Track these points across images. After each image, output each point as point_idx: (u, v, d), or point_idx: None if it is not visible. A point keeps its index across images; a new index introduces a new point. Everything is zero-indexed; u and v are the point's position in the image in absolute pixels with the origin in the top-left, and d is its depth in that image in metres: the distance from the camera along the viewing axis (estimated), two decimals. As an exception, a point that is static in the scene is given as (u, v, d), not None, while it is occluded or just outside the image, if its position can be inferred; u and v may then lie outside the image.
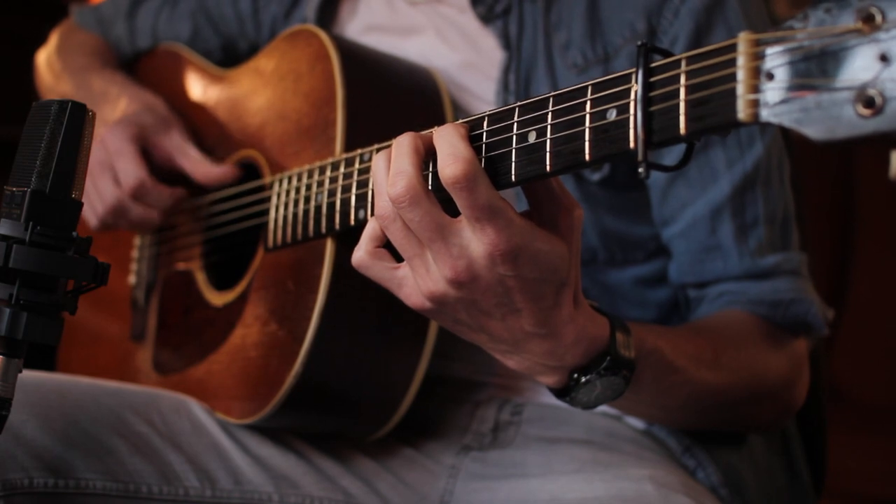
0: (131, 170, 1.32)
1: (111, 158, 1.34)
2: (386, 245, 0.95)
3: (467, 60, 1.33)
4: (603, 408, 1.28)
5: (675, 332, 1.16)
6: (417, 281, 0.92)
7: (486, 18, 1.31)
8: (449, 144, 0.86)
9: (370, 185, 1.03)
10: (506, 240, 0.86)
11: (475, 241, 0.87)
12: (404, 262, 0.93)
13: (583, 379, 0.97)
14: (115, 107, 1.42)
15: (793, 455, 1.39)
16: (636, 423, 1.29)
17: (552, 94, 0.86)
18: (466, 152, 0.85)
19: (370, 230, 0.95)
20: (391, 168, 0.89)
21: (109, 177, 1.34)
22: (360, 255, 0.95)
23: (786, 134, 1.32)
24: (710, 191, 1.23)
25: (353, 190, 1.05)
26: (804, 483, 1.39)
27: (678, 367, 1.08)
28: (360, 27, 1.42)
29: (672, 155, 1.17)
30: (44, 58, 1.65)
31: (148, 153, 1.37)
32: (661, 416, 1.23)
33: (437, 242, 0.88)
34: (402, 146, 0.89)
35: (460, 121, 0.92)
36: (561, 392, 0.99)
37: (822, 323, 1.25)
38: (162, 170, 1.38)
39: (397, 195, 0.87)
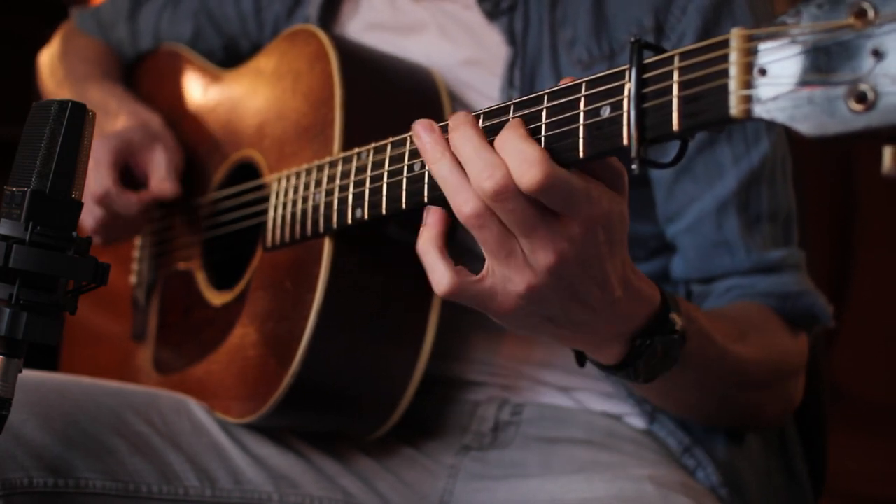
0: (98, 178, 1.34)
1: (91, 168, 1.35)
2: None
3: (472, 57, 1.33)
4: (603, 408, 1.29)
5: (702, 310, 1.14)
6: (514, 280, 0.86)
7: (492, 14, 1.31)
8: (516, 149, 0.82)
9: (366, 185, 1.03)
10: (600, 208, 0.83)
11: (568, 221, 0.83)
12: (485, 271, 0.88)
13: (646, 342, 0.95)
14: (114, 122, 1.43)
15: (790, 455, 1.39)
16: (636, 423, 1.29)
17: (546, 91, 0.86)
18: (538, 154, 0.81)
19: (435, 246, 0.89)
20: (477, 161, 0.83)
21: None
22: (451, 278, 0.87)
23: (787, 132, 1.32)
24: (717, 186, 1.23)
25: (351, 189, 1.05)
26: (802, 484, 1.39)
27: (716, 340, 1.06)
28: (362, 25, 1.43)
29: (671, 152, 1.17)
30: (46, 61, 1.66)
31: (131, 168, 1.39)
32: (696, 401, 1.19)
33: (540, 228, 0.83)
34: (472, 138, 0.84)
35: None
36: (622, 365, 0.96)
37: (829, 315, 1.25)
38: (145, 184, 1.39)
39: (498, 187, 0.82)
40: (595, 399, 1.30)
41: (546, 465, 1.24)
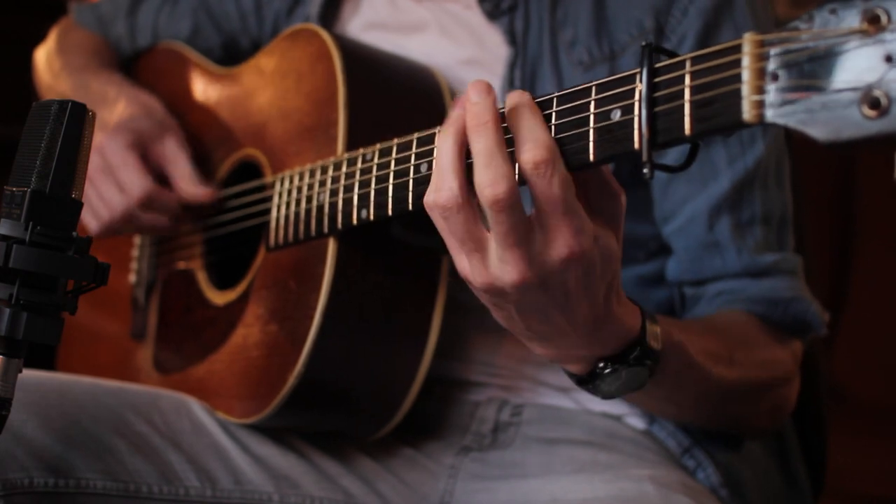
0: (136, 180, 1.32)
1: (113, 168, 1.33)
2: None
3: (472, 57, 1.33)
4: (603, 408, 1.29)
5: (691, 327, 1.15)
6: (474, 274, 0.87)
7: (493, 15, 1.31)
8: (528, 129, 0.83)
9: (372, 186, 1.03)
10: (579, 244, 0.83)
11: (549, 245, 0.84)
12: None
13: (609, 368, 0.96)
14: (113, 109, 1.41)
15: (789, 457, 1.39)
16: (636, 423, 1.29)
17: (556, 94, 0.85)
18: (549, 137, 0.82)
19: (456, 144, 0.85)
20: (490, 167, 0.83)
21: (113, 185, 1.33)
22: (456, 187, 0.85)
23: (787, 134, 1.32)
24: (710, 187, 1.23)
25: (356, 190, 1.05)
26: (801, 485, 1.39)
27: (697, 363, 1.07)
28: (362, 24, 1.42)
29: (673, 154, 1.17)
30: (42, 56, 1.65)
31: (145, 159, 1.36)
32: (671, 412, 1.22)
33: (521, 247, 0.84)
34: (491, 138, 0.84)
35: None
36: (583, 380, 0.98)
37: (821, 322, 1.25)
38: (159, 175, 1.37)
39: (497, 198, 0.82)
40: (595, 399, 1.29)
41: (546, 465, 1.24)
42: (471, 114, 0.85)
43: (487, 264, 0.86)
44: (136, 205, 1.32)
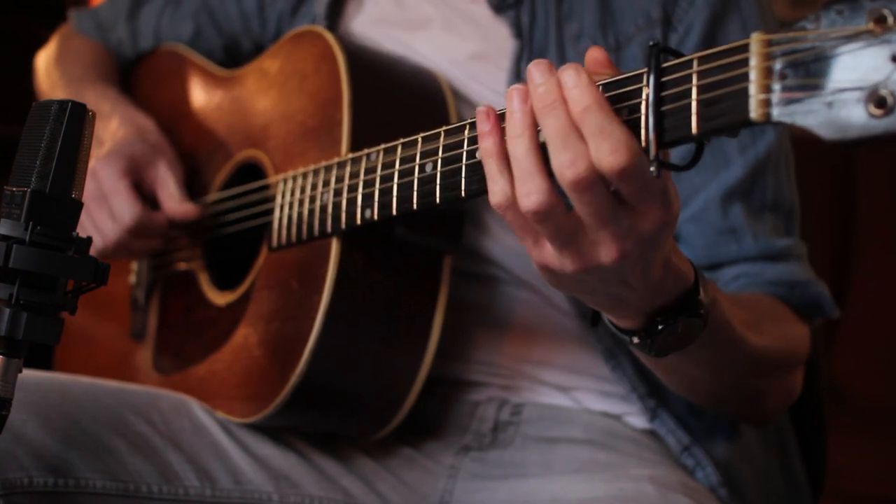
0: (126, 207, 1.32)
1: (106, 195, 1.33)
2: None
3: (478, 51, 1.33)
4: (603, 407, 1.29)
5: (723, 293, 1.14)
6: (565, 263, 0.86)
7: (499, 8, 1.31)
8: (601, 128, 0.79)
9: (376, 186, 1.03)
10: (672, 213, 0.84)
11: (640, 218, 0.83)
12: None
13: (666, 322, 0.95)
14: (106, 126, 1.41)
15: (789, 456, 1.39)
16: (636, 422, 1.29)
17: None
18: (626, 135, 0.79)
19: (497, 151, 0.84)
20: (567, 148, 0.80)
21: (106, 212, 1.33)
22: (547, 190, 0.82)
23: (790, 133, 1.33)
24: (723, 175, 1.24)
25: (360, 189, 1.05)
26: (800, 483, 1.39)
27: (734, 325, 1.07)
28: (366, 21, 1.42)
29: (678, 151, 1.17)
30: (43, 62, 1.64)
31: (139, 184, 1.37)
32: (704, 379, 1.18)
33: (610, 225, 0.83)
34: (562, 118, 0.80)
35: (466, 122, 0.92)
36: (640, 335, 0.96)
37: (833, 305, 1.26)
38: (151, 199, 1.37)
39: (579, 177, 0.80)
40: (594, 398, 1.30)
41: (546, 464, 1.24)
42: (537, 96, 0.82)
43: (581, 251, 0.85)
44: (127, 233, 1.32)
